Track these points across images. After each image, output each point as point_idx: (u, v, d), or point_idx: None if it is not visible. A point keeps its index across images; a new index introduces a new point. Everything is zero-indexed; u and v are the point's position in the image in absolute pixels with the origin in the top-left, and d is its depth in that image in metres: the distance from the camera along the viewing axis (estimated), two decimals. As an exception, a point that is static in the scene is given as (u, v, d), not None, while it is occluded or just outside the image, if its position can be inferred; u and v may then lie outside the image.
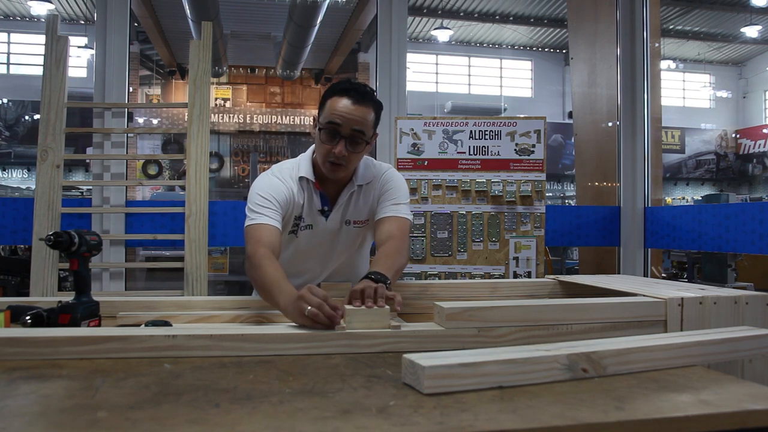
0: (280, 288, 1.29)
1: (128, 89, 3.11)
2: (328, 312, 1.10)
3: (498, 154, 2.85)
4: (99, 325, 1.27)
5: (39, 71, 2.90)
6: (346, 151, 1.51)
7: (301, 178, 1.62)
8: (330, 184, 1.65)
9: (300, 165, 1.64)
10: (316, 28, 8.98)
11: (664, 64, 13.38)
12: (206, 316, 1.40)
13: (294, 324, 1.16)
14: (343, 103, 1.50)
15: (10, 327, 1.21)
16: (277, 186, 1.59)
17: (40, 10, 10.05)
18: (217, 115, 11.68)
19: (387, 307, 1.15)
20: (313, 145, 1.65)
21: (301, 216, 1.63)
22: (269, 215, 1.52)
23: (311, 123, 1.61)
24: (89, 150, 3.56)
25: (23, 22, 12.10)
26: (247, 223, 1.54)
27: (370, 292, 1.17)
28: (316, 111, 1.61)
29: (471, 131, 2.86)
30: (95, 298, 1.28)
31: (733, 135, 15.49)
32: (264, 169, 1.80)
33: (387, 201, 1.64)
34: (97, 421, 0.70)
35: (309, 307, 1.11)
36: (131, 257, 4.60)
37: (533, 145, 2.84)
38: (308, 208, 1.63)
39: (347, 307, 1.13)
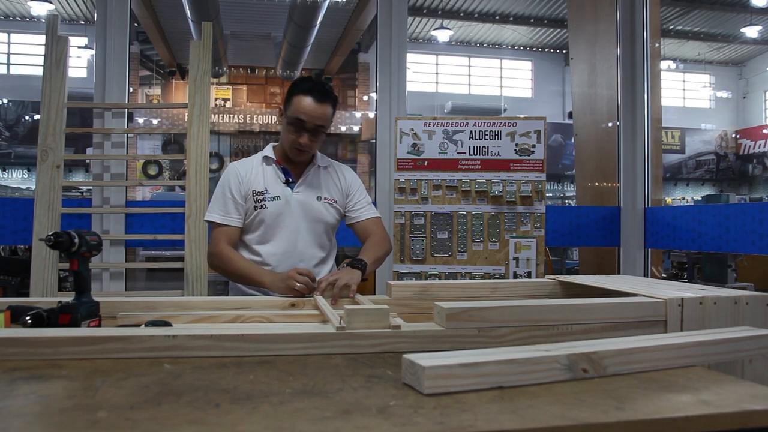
0: (260, 271, 1.76)
1: (128, 89, 3.11)
2: (311, 287, 1.59)
3: (498, 155, 2.84)
4: (99, 326, 1.27)
5: (39, 71, 2.89)
6: (309, 141, 1.83)
7: (264, 158, 1.93)
8: (292, 164, 1.93)
9: (265, 150, 1.97)
10: (316, 28, 8.98)
11: (664, 64, 13.38)
12: (206, 316, 1.40)
13: (294, 324, 1.25)
14: (308, 102, 1.79)
15: (10, 327, 1.21)
16: (232, 178, 1.88)
17: (40, 10, 10.05)
18: (217, 115, 11.68)
19: (387, 307, 1.15)
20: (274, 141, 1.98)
21: (266, 189, 1.88)
22: (224, 212, 1.86)
23: (278, 113, 1.89)
24: (89, 150, 3.56)
25: (23, 22, 12.10)
26: (208, 216, 1.89)
27: (337, 289, 1.56)
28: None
29: (471, 131, 2.86)
30: (95, 298, 1.28)
31: (733, 135, 15.49)
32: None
33: (359, 205, 2.00)
34: (97, 421, 0.70)
35: (298, 284, 1.57)
36: (131, 257, 4.60)
37: (533, 146, 2.84)
38: (274, 181, 1.90)
39: (347, 307, 1.14)
